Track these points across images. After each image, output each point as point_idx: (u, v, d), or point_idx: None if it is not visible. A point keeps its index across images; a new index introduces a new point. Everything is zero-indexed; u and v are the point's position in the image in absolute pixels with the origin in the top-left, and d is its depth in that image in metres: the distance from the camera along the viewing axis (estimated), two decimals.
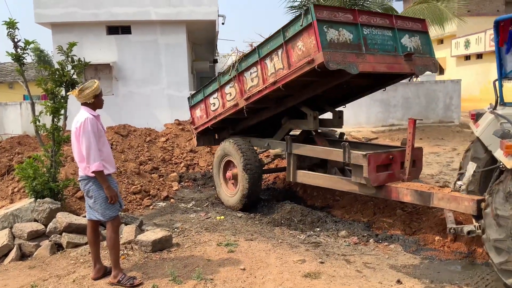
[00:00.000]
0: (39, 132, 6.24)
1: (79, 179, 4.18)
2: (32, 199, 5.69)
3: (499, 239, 3.68)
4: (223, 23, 17.96)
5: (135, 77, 14.37)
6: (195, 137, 7.92)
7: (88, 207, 4.25)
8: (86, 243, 5.19)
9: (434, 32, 15.84)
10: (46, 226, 5.33)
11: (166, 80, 14.49)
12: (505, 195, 3.64)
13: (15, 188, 6.97)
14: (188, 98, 7.89)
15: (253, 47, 6.14)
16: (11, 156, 8.52)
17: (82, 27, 13.85)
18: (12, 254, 5.01)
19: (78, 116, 4.08)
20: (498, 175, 4.13)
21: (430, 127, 15.15)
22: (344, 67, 4.94)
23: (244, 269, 4.35)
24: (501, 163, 3.80)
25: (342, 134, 7.50)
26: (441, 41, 28.31)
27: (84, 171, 4.05)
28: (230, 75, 6.53)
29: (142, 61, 14.32)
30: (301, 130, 7.27)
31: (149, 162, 9.01)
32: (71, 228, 5.19)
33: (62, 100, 5.97)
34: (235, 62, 6.42)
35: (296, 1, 14.48)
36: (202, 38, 17.55)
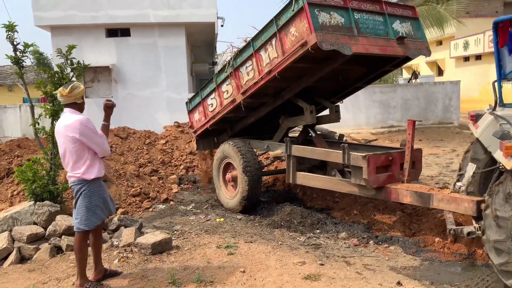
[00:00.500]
0: (39, 135, 6.24)
1: (71, 184, 4.03)
2: (32, 202, 5.69)
3: (499, 240, 3.68)
4: (222, 25, 17.94)
5: (134, 80, 14.37)
6: (195, 141, 7.92)
7: (75, 216, 4.10)
8: None
9: (433, 34, 15.87)
10: (45, 229, 5.32)
11: (165, 82, 14.48)
12: (505, 196, 3.64)
13: (14, 191, 6.96)
14: (186, 103, 7.92)
15: (247, 41, 6.19)
16: (11, 159, 8.51)
17: (81, 29, 13.86)
18: (12, 257, 5.00)
19: (68, 119, 3.93)
20: (498, 176, 4.13)
21: (429, 129, 15.15)
22: (337, 47, 5.02)
23: (244, 272, 4.34)
24: (501, 164, 3.80)
25: (341, 135, 7.51)
26: (440, 43, 28.35)
27: (83, 176, 3.94)
28: (226, 72, 6.59)
29: (141, 63, 14.31)
30: (299, 133, 7.28)
31: (148, 164, 9.01)
32: (70, 231, 5.17)
33: (61, 103, 5.96)
34: (231, 58, 6.48)
35: None
36: (201, 41, 17.55)
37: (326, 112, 7.20)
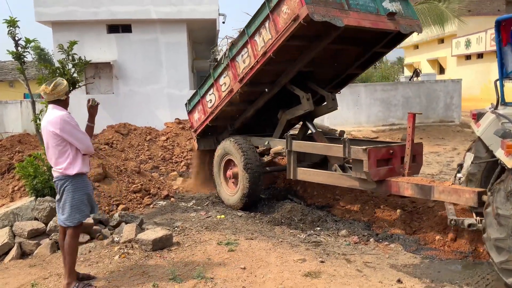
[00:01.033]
0: (40, 130, 6.23)
1: (54, 180, 4.04)
2: (33, 198, 5.70)
3: (499, 238, 3.68)
4: (223, 22, 17.95)
5: (135, 76, 14.37)
6: (196, 140, 7.92)
7: (59, 212, 4.08)
8: (86, 242, 5.21)
9: (434, 32, 15.84)
10: (46, 224, 5.33)
11: (166, 79, 14.48)
12: (506, 194, 3.64)
13: (15, 186, 6.97)
14: (186, 104, 7.97)
15: (241, 30, 6.28)
16: (12, 155, 8.52)
17: (83, 25, 13.85)
18: (13, 252, 5.01)
19: (51, 115, 3.92)
20: (499, 173, 4.13)
21: (430, 127, 15.14)
22: (329, 19, 5.10)
23: (244, 268, 4.34)
24: (501, 161, 3.80)
25: (342, 132, 7.50)
26: (441, 41, 28.30)
27: (65, 171, 3.92)
28: (223, 64, 6.65)
29: (142, 60, 14.31)
30: (299, 130, 7.29)
31: (149, 161, 9.02)
32: None
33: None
34: (226, 50, 6.55)
35: None
36: (202, 37, 17.54)
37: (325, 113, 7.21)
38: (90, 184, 4.23)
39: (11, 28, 5.98)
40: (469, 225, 4.40)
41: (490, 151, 4.37)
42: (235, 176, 6.82)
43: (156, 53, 14.38)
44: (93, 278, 4.18)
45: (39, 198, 5.58)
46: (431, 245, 5.18)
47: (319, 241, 5.36)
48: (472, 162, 4.68)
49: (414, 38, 25.66)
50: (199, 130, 7.63)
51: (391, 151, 5.44)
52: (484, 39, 22.45)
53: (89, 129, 4.18)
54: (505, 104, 4.41)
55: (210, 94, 7.10)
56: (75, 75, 6.19)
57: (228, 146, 6.89)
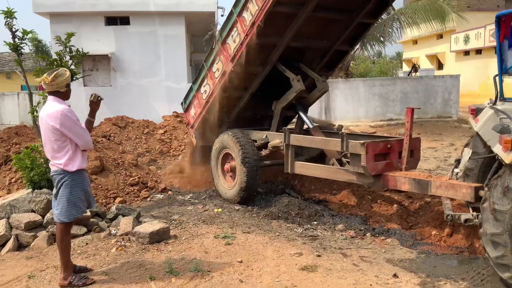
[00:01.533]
0: (37, 122, 6.21)
1: (52, 174, 3.96)
2: (30, 190, 5.68)
3: (496, 233, 3.69)
4: (222, 15, 17.85)
5: (133, 69, 14.32)
6: (193, 136, 7.90)
7: (54, 207, 4.02)
8: (83, 234, 5.21)
9: (434, 27, 15.83)
10: (43, 216, 5.32)
11: (164, 71, 14.44)
12: (503, 189, 3.65)
13: (12, 178, 6.95)
14: (181, 103, 8.00)
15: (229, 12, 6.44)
16: (9, 147, 8.48)
17: (81, 17, 13.77)
18: (9, 244, 5.01)
19: (50, 108, 3.82)
20: (497, 169, 4.14)
21: (428, 122, 15.16)
22: None
23: (241, 262, 4.36)
24: (500, 158, 3.80)
25: (340, 126, 7.50)
26: (440, 36, 28.29)
27: (65, 167, 3.85)
28: (214, 49, 6.75)
29: (140, 52, 14.26)
30: (295, 124, 7.31)
31: (147, 154, 9.01)
32: None
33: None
34: (217, 35, 6.68)
35: None
36: (201, 30, 17.47)
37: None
38: (88, 179, 4.20)
39: (8, 19, 5.94)
40: (466, 220, 4.42)
41: (488, 147, 4.38)
42: (233, 170, 6.82)
43: (154, 46, 14.32)
44: (89, 271, 4.19)
45: (36, 190, 5.57)
46: (427, 240, 5.20)
47: (315, 235, 5.37)
48: (470, 158, 4.69)
49: (413, 33, 25.62)
50: (196, 124, 7.62)
51: (389, 146, 5.45)
52: (483, 35, 22.46)
53: (89, 123, 4.11)
54: (503, 99, 4.41)
55: (204, 86, 7.16)
56: (72, 67, 6.16)
57: (226, 140, 6.89)
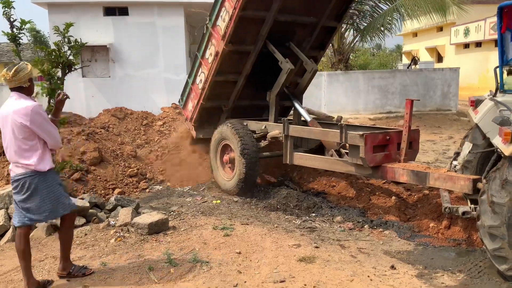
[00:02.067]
0: None
1: (18, 177, 3.59)
2: None
3: (493, 225, 3.71)
4: None
5: (132, 60, 14.24)
6: (193, 129, 7.89)
7: (20, 211, 3.66)
8: (82, 225, 5.22)
9: (434, 20, 15.76)
10: None
11: (163, 63, 14.36)
12: (501, 182, 3.65)
13: None
14: (178, 101, 8.05)
15: None
16: None
17: (79, 7, 13.67)
18: (8, 235, 5.02)
19: (17, 104, 3.55)
20: (495, 161, 4.14)
21: (427, 115, 15.15)
22: None
23: (239, 253, 4.37)
24: (499, 150, 3.81)
25: (339, 117, 7.50)
26: (440, 29, 28.18)
27: (36, 167, 3.55)
28: (206, 34, 6.88)
29: (139, 43, 14.16)
30: (292, 116, 7.32)
31: (145, 145, 8.98)
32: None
33: (58, 82, 5.92)
34: (207, 19, 6.81)
35: None
36: (200, 21, 17.35)
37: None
38: (58, 176, 3.99)
39: (6, 9, 5.88)
40: (463, 213, 4.44)
41: (487, 138, 4.38)
42: (232, 161, 6.82)
43: (153, 37, 14.22)
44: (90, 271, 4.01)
45: None
46: (425, 232, 5.22)
47: (314, 227, 5.38)
48: (469, 152, 4.68)
49: (413, 25, 25.52)
50: (195, 116, 7.61)
51: (388, 137, 5.44)
52: (483, 27, 22.38)
53: (54, 123, 3.81)
54: (503, 91, 4.40)
55: (199, 75, 7.21)
56: (71, 57, 6.11)
57: (224, 131, 6.88)
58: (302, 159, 6.30)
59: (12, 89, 3.65)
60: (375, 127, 7.27)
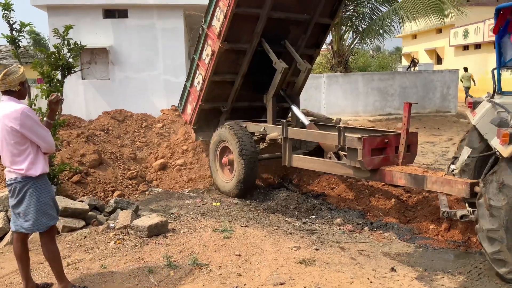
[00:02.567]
0: None
1: (10, 182, 3.52)
2: None
3: (492, 229, 3.71)
4: None
5: (131, 62, 14.24)
6: (193, 132, 7.90)
7: (14, 216, 3.63)
8: (81, 228, 5.21)
9: (433, 21, 15.78)
10: None
11: (163, 65, 14.37)
12: (498, 185, 3.65)
13: None
14: (177, 105, 8.07)
15: None
16: None
17: (79, 10, 13.68)
18: (8, 237, 5.01)
19: (7, 107, 3.43)
20: (493, 163, 4.15)
21: (426, 117, 15.15)
22: None
23: (239, 255, 4.37)
24: (497, 151, 3.81)
25: (338, 119, 7.51)
26: (439, 31, 28.21)
27: (27, 172, 3.45)
28: (202, 35, 7.01)
29: (138, 45, 14.17)
30: (291, 116, 7.34)
31: (145, 147, 8.98)
32: (67, 213, 5.19)
33: (58, 84, 5.93)
34: (202, 20, 6.95)
35: None
36: (200, 23, 17.37)
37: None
38: (50, 184, 3.87)
39: (5, 11, 5.89)
40: (462, 217, 4.44)
41: (484, 140, 4.39)
42: (231, 163, 6.82)
43: (152, 39, 14.24)
44: (51, 285, 3.87)
45: None
46: (425, 234, 5.22)
47: (313, 229, 5.38)
48: (468, 157, 4.68)
49: (412, 27, 25.55)
50: (194, 119, 7.62)
51: (386, 140, 5.45)
52: (482, 29, 22.40)
53: (48, 126, 3.71)
54: (501, 93, 4.41)
55: (197, 77, 7.29)
56: (70, 60, 6.12)
57: (223, 133, 6.88)
58: (301, 161, 6.30)
59: (3, 93, 3.53)
60: (374, 129, 7.28)
